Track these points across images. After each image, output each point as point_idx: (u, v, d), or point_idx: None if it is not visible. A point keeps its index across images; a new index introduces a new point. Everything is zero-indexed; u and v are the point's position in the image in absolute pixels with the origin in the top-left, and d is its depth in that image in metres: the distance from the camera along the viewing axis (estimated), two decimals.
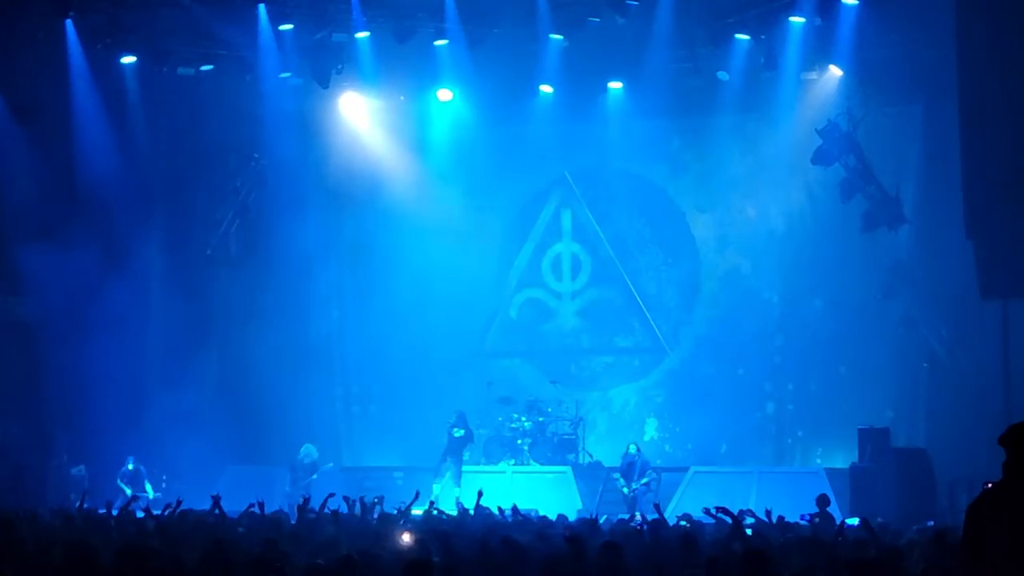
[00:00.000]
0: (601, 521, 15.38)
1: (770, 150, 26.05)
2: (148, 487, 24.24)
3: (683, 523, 14.98)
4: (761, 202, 26.78)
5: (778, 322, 26.66)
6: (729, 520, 12.42)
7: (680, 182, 27.64)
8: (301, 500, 15.60)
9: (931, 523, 16.33)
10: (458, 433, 24.09)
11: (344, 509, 15.58)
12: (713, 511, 13.36)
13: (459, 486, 23.57)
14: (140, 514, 15.70)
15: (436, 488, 23.69)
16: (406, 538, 11.09)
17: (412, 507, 15.12)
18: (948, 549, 9.86)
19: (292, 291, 27.98)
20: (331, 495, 15.78)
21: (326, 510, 14.80)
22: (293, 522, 14.43)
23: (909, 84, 24.18)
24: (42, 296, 24.79)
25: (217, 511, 14.43)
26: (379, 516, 15.09)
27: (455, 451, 24.08)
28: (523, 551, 9.87)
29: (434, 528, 12.83)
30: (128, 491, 23.40)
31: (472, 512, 16.30)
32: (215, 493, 14.96)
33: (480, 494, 16.66)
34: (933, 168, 23.90)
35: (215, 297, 27.89)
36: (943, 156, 22.74)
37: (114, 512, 15.55)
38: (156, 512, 15.30)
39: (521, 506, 16.23)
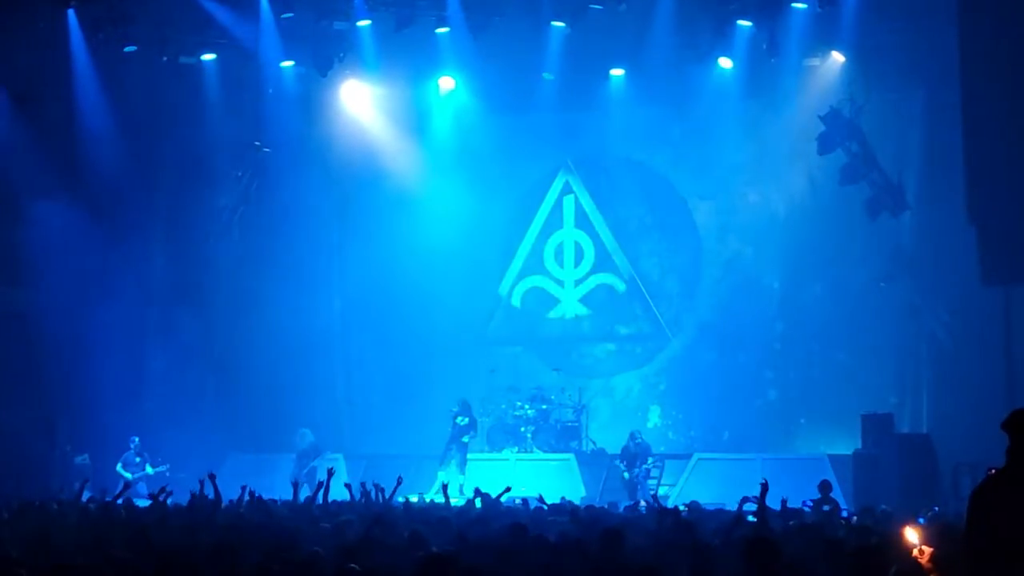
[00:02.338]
0: (606, 506, 15.38)
1: (772, 136, 26.05)
2: (148, 468, 24.31)
3: (682, 508, 14.96)
4: (763, 188, 26.80)
5: (780, 308, 26.66)
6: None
7: (682, 169, 27.64)
8: (302, 484, 15.52)
9: (936, 508, 16.36)
10: (462, 421, 24.10)
11: (349, 496, 15.61)
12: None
13: (464, 474, 23.61)
14: (143, 500, 15.70)
15: (441, 476, 23.73)
16: None
17: (396, 494, 15.12)
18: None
19: (294, 279, 27.97)
20: (325, 468, 15.62)
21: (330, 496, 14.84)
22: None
23: (911, 70, 24.14)
24: (43, 285, 24.81)
25: (211, 494, 14.31)
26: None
27: (459, 439, 24.10)
28: (535, 539, 9.86)
29: (444, 517, 12.81)
30: (128, 475, 23.49)
31: (479, 501, 16.24)
32: (210, 474, 14.85)
33: (507, 489, 16.48)
34: (935, 154, 23.82)
35: (217, 286, 27.88)
36: (945, 142, 22.67)
37: (113, 500, 15.51)
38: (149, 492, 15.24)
39: (524, 494, 16.19)
